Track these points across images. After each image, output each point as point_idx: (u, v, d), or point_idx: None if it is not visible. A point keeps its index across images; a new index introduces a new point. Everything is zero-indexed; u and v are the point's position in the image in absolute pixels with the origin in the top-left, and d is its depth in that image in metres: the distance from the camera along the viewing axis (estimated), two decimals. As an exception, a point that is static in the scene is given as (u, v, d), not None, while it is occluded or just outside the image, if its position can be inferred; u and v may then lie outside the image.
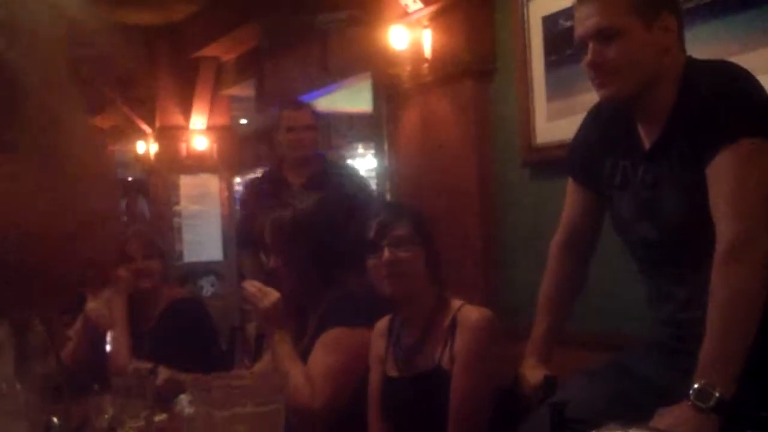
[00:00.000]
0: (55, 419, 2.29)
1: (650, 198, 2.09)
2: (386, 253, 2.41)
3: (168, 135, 8.35)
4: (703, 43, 2.74)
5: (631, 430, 0.95)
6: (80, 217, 0.79)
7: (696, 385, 1.78)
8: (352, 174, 4.77)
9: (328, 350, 2.62)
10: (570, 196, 2.40)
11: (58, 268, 0.77)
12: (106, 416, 2.28)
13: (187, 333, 3.38)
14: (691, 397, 1.77)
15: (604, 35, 2.05)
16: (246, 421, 1.12)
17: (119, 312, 3.38)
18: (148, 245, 3.53)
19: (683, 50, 2.12)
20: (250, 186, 4.73)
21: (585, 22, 2.09)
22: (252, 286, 2.62)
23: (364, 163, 10.20)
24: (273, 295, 2.59)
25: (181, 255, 8.04)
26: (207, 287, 8.01)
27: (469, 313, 2.40)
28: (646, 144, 2.11)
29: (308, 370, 2.57)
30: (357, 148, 10.18)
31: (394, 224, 2.45)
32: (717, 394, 1.75)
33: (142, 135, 8.74)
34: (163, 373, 2.77)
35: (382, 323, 2.57)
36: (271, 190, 4.18)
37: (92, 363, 3.41)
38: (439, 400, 2.33)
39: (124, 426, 2.15)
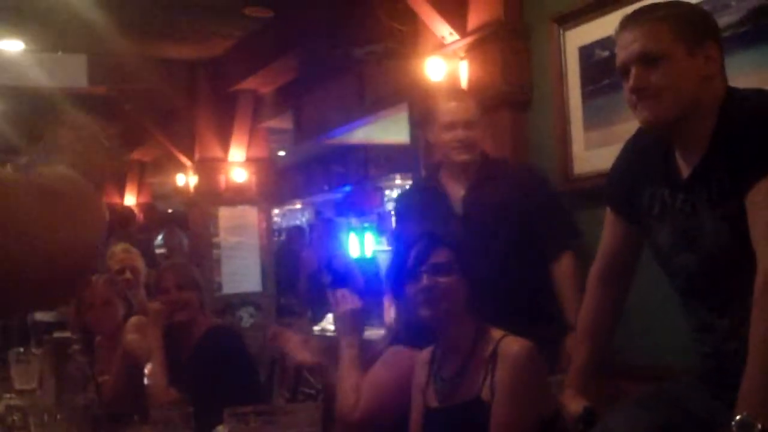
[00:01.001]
0: (94, 450, 2.31)
1: (689, 227, 2.07)
2: (424, 280, 2.41)
3: (207, 167, 8.43)
4: (741, 72, 2.72)
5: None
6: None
7: (738, 417, 1.76)
8: (523, 173, 3.71)
9: (383, 365, 2.69)
10: (608, 226, 2.39)
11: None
12: (144, 447, 2.29)
13: (224, 362, 3.40)
14: (733, 429, 1.75)
15: (647, 59, 2.05)
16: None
17: (155, 343, 3.40)
18: (182, 277, 3.56)
19: (724, 80, 2.11)
20: (402, 200, 3.79)
21: (628, 48, 2.09)
22: (339, 291, 2.82)
23: (402, 194, 10.23)
24: (355, 302, 2.80)
25: (220, 286, 8.08)
26: (246, 318, 8.04)
27: (510, 344, 2.39)
28: (685, 173, 2.10)
29: (363, 381, 2.63)
30: (395, 179, 10.20)
31: (432, 251, 2.46)
32: (759, 426, 1.73)
33: (181, 167, 8.84)
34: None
35: (425, 353, 2.57)
36: (426, 203, 3.46)
37: (131, 394, 3.44)
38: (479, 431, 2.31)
39: (163, 456, 2.16)
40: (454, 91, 3.36)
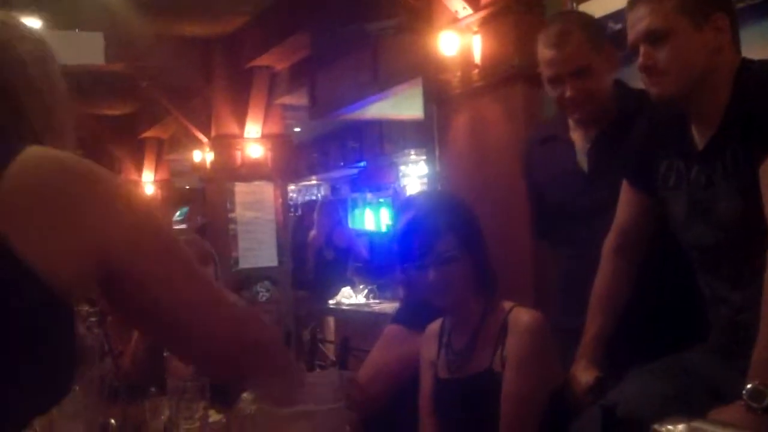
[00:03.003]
0: (112, 420, 2.34)
1: (704, 199, 2.07)
2: (431, 274, 2.41)
3: (223, 144, 8.45)
4: (754, 44, 2.71)
5: (694, 423, 0.94)
6: None
7: (749, 386, 1.77)
8: None
9: (379, 345, 2.76)
10: (623, 198, 2.39)
11: None
12: (162, 418, 2.32)
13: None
14: (744, 397, 1.76)
15: (653, 37, 2.06)
16: (308, 418, 1.13)
17: None
18: (199, 252, 3.58)
19: (738, 51, 2.11)
20: (527, 148, 3.12)
21: (636, 26, 2.10)
22: None
23: (417, 169, 10.22)
24: None
25: (236, 261, 8.13)
26: (262, 293, 8.09)
27: (520, 316, 2.40)
28: (700, 145, 2.10)
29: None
30: (409, 155, 10.20)
31: (435, 241, 2.43)
32: (770, 395, 1.74)
33: (198, 144, 8.87)
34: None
35: (433, 327, 2.59)
36: (550, 157, 2.89)
37: (150, 367, 3.47)
38: (489, 402, 2.33)
39: (180, 427, 2.19)
40: (552, 35, 2.64)
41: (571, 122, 2.76)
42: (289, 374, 1.37)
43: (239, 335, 1.25)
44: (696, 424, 0.91)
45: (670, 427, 0.94)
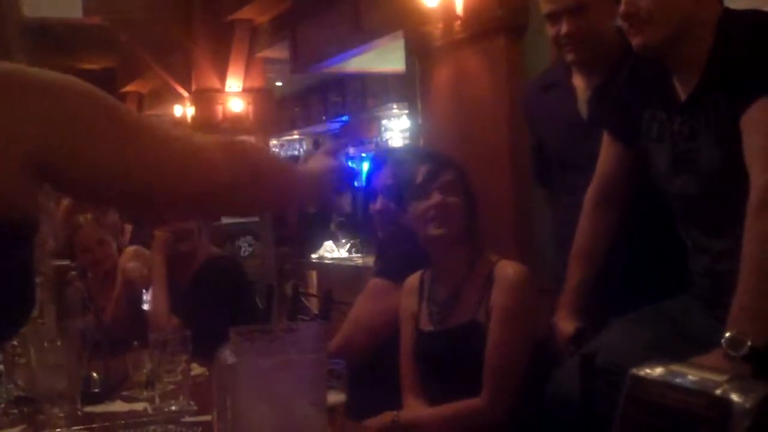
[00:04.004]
0: (94, 374, 2.35)
1: (687, 150, 2.07)
2: (436, 197, 2.42)
3: (204, 98, 8.40)
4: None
5: (672, 366, 0.95)
6: None
7: (728, 334, 1.78)
8: None
9: (362, 298, 2.78)
10: (605, 150, 2.38)
11: None
12: (144, 371, 2.32)
13: (222, 290, 3.43)
14: (723, 345, 1.77)
15: None
16: (289, 368, 1.13)
17: (158, 270, 3.43)
18: None
19: (720, 1, 2.10)
20: (528, 95, 3.05)
21: None
22: None
23: (399, 123, 10.19)
24: None
25: (218, 216, 8.12)
26: (245, 247, 8.10)
27: (506, 269, 2.41)
28: (682, 96, 2.09)
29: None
30: (392, 108, 10.16)
31: (442, 170, 2.46)
32: (749, 343, 1.75)
33: (179, 99, 8.81)
34: None
35: (412, 280, 2.59)
36: (550, 104, 2.81)
37: (131, 320, 3.48)
38: (473, 353, 2.35)
39: (162, 380, 2.19)
40: None
41: (574, 70, 2.70)
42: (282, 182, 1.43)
43: (214, 178, 1.25)
44: (674, 367, 0.92)
45: (648, 371, 0.94)
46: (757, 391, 0.85)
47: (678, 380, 0.90)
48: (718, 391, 0.86)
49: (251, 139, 8.37)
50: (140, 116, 1.28)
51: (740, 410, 0.83)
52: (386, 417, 2.40)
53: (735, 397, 0.84)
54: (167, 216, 1.49)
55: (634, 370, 0.95)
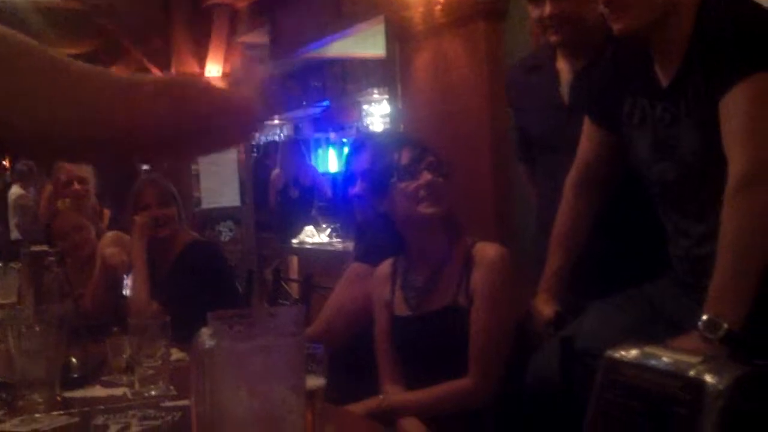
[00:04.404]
0: (73, 359, 2.34)
1: (668, 136, 2.08)
2: (426, 176, 2.42)
3: (183, 83, 8.34)
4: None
5: (647, 349, 0.95)
6: None
7: (705, 317, 1.79)
8: None
9: (342, 283, 2.78)
10: (586, 135, 2.39)
11: None
12: (123, 356, 2.32)
13: (203, 275, 3.43)
14: (700, 328, 1.79)
15: None
16: (266, 352, 1.13)
17: (138, 255, 3.42)
18: (162, 193, 3.56)
19: None
20: (511, 78, 3.03)
21: None
22: None
23: (380, 108, 10.18)
24: None
25: (199, 201, 8.10)
26: (225, 232, 8.09)
27: (486, 250, 2.42)
28: (664, 82, 2.10)
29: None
30: (372, 93, 10.14)
31: (425, 152, 2.46)
32: (725, 326, 1.76)
33: (157, 83, 8.73)
34: None
35: (384, 268, 2.59)
36: (533, 87, 2.81)
37: (111, 306, 3.47)
38: (454, 336, 2.35)
39: (142, 365, 2.19)
40: None
41: (558, 53, 2.70)
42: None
43: (149, 118, 1.21)
44: (648, 349, 0.92)
45: (623, 353, 0.95)
46: (731, 372, 0.86)
47: (652, 362, 0.91)
48: (692, 373, 0.86)
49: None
50: (54, 52, 1.20)
51: (714, 391, 0.84)
52: (372, 401, 2.41)
53: (708, 378, 0.85)
54: (111, 156, 1.39)
55: (609, 353, 0.96)
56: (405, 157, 2.45)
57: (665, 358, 0.91)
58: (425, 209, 2.42)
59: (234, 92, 1.48)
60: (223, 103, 1.38)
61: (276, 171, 8.27)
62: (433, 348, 2.42)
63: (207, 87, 1.35)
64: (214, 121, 1.33)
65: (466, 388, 2.33)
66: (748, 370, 0.85)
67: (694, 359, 0.88)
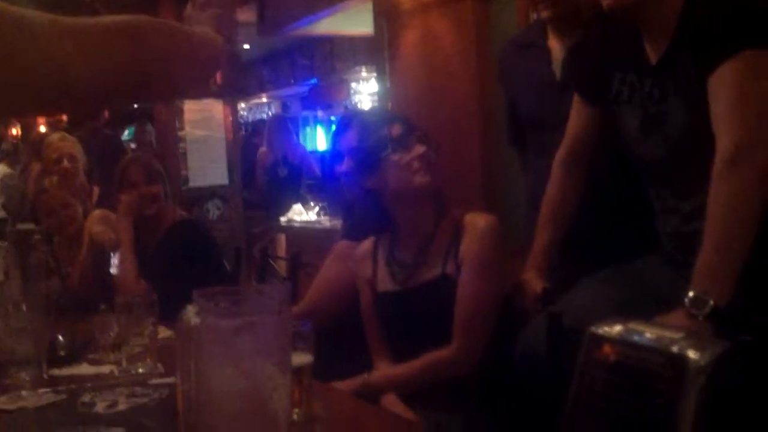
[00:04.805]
0: (60, 337, 2.34)
1: (656, 113, 2.08)
2: (419, 147, 2.41)
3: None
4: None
5: (630, 324, 0.96)
6: None
7: (691, 293, 1.80)
8: None
9: (328, 260, 2.79)
10: (575, 111, 2.39)
11: None
12: (111, 334, 2.32)
13: (190, 253, 3.42)
14: (686, 305, 1.79)
15: None
16: (253, 330, 1.13)
17: (125, 234, 3.42)
18: (149, 171, 3.55)
19: None
20: (503, 55, 3.01)
21: None
22: None
23: (368, 86, 10.15)
24: None
25: (186, 180, 8.07)
26: (213, 211, 8.07)
27: (476, 220, 2.42)
28: (653, 59, 2.10)
29: None
30: (360, 71, 10.11)
31: (415, 127, 2.47)
32: (711, 302, 1.77)
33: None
34: None
35: (365, 246, 2.59)
36: (525, 64, 2.81)
37: (98, 284, 3.47)
38: (444, 307, 2.35)
39: (129, 343, 2.19)
40: None
41: (549, 30, 2.69)
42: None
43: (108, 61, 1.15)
44: (632, 326, 0.93)
45: (606, 329, 0.95)
46: (713, 348, 0.86)
47: (635, 338, 0.91)
48: (674, 349, 0.87)
49: (219, 102, 8.31)
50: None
51: (696, 367, 0.85)
52: (357, 379, 2.41)
53: (691, 354, 0.85)
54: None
55: (593, 329, 0.96)
56: (396, 131, 2.45)
57: (648, 334, 0.91)
58: (420, 179, 2.41)
59: (196, 31, 1.40)
60: (184, 39, 1.33)
61: (263, 149, 8.25)
62: (424, 321, 2.41)
63: (164, 24, 1.29)
64: (174, 61, 1.28)
65: (448, 357, 2.33)
66: (730, 346, 0.85)
67: (676, 335, 0.88)
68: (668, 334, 0.89)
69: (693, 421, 0.84)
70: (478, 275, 2.34)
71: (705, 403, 0.84)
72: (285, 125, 8.57)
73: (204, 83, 1.46)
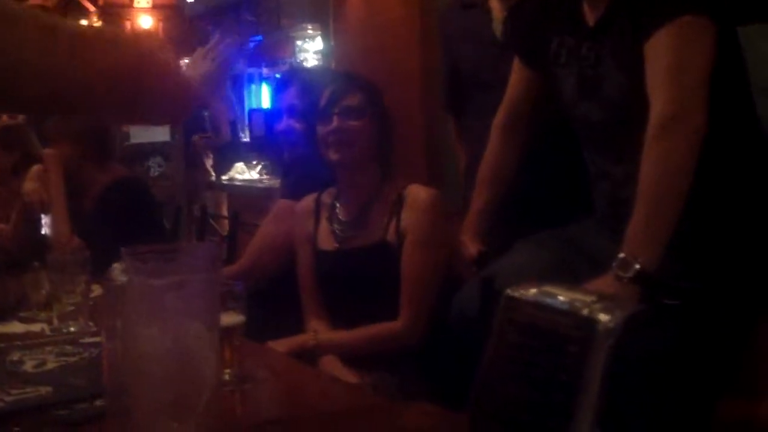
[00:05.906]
0: (-9, 294, 2.30)
1: (592, 77, 2.08)
2: (335, 121, 2.41)
3: (112, 13, 8.19)
4: None
5: (545, 287, 0.96)
6: None
7: (619, 256, 1.82)
8: None
9: (268, 219, 2.82)
10: (515, 73, 2.38)
11: None
12: (42, 291, 2.29)
13: (129, 210, 3.38)
14: (614, 267, 1.81)
15: None
16: (181, 288, 1.12)
17: (55, 190, 3.34)
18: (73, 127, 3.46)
19: None
20: (445, 15, 3.01)
21: None
22: None
23: (314, 44, 10.05)
24: None
25: (128, 136, 7.96)
26: (154, 168, 7.99)
27: (419, 191, 2.44)
28: (590, 21, 2.09)
29: None
30: (306, 29, 10.00)
31: (345, 94, 2.45)
32: (638, 266, 1.79)
33: (85, 13, 8.53)
34: None
35: (306, 203, 2.59)
36: (467, 26, 2.79)
37: (30, 241, 3.41)
38: (381, 273, 2.37)
39: (61, 301, 2.16)
40: None
41: None
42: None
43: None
44: (547, 288, 0.94)
45: (522, 291, 0.96)
46: (623, 310, 0.87)
47: (549, 301, 0.92)
48: (585, 311, 0.88)
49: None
50: None
51: (604, 329, 0.86)
52: (299, 338, 2.42)
53: (600, 316, 0.87)
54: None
55: (509, 291, 0.97)
56: (323, 99, 2.44)
57: (561, 297, 0.92)
58: (332, 155, 2.44)
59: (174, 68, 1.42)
60: (133, 54, 1.30)
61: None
62: (359, 284, 2.43)
63: (110, 35, 1.28)
64: (120, 76, 1.25)
65: (397, 330, 2.37)
66: (640, 309, 0.86)
67: (588, 298, 0.89)
68: (581, 297, 0.90)
69: (600, 381, 0.86)
70: (421, 249, 2.37)
71: (612, 364, 0.86)
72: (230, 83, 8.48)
73: (174, 119, 1.45)
